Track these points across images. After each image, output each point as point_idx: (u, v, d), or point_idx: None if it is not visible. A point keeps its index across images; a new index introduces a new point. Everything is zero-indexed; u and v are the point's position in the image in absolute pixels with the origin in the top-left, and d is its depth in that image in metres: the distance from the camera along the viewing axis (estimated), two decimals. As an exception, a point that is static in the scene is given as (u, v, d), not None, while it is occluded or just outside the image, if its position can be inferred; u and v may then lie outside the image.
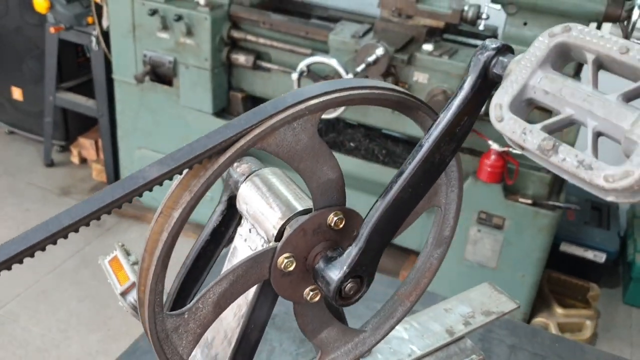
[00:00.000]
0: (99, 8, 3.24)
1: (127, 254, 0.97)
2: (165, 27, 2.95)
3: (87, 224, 0.55)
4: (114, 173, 3.85)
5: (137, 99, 3.28)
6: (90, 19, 3.31)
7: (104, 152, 3.85)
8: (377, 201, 0.62)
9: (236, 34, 2.98)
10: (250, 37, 2.97)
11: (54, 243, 0.53)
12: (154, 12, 2.94)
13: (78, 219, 0.53)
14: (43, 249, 0.53)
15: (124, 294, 0.89)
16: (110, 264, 0.94)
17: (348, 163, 2.94)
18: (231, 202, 0.79)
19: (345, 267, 0.64)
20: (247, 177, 0.74)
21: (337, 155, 0.72)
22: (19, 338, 2.80)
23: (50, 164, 4.02)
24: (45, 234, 0.52)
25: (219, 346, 0.77)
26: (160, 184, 0.55)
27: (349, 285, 0.65)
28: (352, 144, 3.23)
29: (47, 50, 3.57)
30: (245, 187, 0.73)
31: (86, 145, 3.99)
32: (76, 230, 0.55)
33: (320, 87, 0.57)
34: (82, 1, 3.27)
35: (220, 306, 0.64)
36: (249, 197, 0.73)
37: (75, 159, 4.08)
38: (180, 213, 0.55)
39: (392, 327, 0.82)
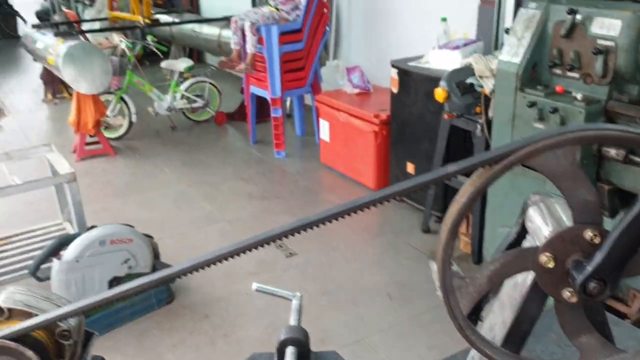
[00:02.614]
0: (487, 100, 3.74)
1: (450, 264, 1.29)
2: (541, 118, 3.23)
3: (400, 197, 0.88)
4: (478, 246, 4.21)
5: (508, 181, 3.60)
6: (478, 109, 3.84)
7: (472, 227, 4.26)
8: (622, 216, 0.79)
9: (611, 128, 3.05)
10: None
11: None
12: (532, 104, 3.26)
13: (403, 188, 0.88)
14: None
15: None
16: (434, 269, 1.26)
17: None
18: (524, 224, 1.03)
19: (589, 268, 0.82)
20: (535, 203, 0.99)
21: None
22: (374, 365, 3.34)
23: (427, 230, 4.65)
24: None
25: (497, 331, 1.01)
26: (455, 177, 0.87)
27: (592, 284, 0.82)
28: None
29: (440, 134, 4.25)
30: (532, 210, 0.98)
31: (458, 219, 4.48)
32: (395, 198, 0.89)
33: (580, 126, 0.80)
34: (473, 93, 3.82)
35: (492, 280, 0.90)
36: (533, 217, 0.97)
37: (447, 230, 4.61)
38: (465, 199, 0.85)
39: (654, 357, 0.91)
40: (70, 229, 4.26)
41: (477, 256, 4.19)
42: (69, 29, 7.85)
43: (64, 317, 0.97)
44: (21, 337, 0.97)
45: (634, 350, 0.94)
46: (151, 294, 3.79)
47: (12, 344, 0.96)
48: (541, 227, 0.92)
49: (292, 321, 1.39)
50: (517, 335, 0.97)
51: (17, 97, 8.67)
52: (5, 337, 0.96)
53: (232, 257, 0.93)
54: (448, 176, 0.88)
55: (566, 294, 0.88)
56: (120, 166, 6.21)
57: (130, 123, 6.76)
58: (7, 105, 8.29)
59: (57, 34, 6.38)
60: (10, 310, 1.01)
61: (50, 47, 6.15)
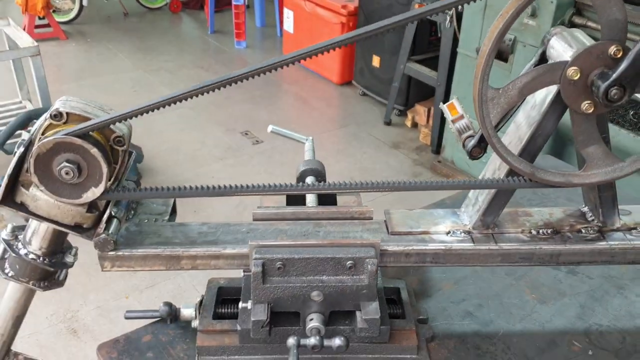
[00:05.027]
0: (458, -9, 3.79)
1: (460, 104, 1.40)
2: (512, 8, 3.33)
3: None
4: (438, 139, 4.41)
5: (473, 70, 3.73)
6: None
7: (434, 119, 4.44)
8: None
9: (578, 20, 3.19)
10: (591, 24, 3.15)
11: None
12: (505, -6, 3.35)
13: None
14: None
15: (453, 121, 1.32)
16: (447, 106, 1.38)
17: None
18: (542, 57, 1.15)
19: (613, 75, 0.95)
20: (558, 33, 1.10)
21: None
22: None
23: (389, 123, 4.80)
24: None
25: (512, 147, 1.14)
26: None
27: (614, 91, 0.95)
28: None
29: (407, 26, 4.30)
30: (555, 39, 1.09)
31: (420, 112, 4.65)
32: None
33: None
34: (446, -16, 3.86)
35: (522, 93, 1.02)
36: (556, 45, 1.08)
37: (408, 123, 4.78)
38: (511, 13, 0.94)
39: (648, 164, 1.07)
40: (31, 108, 4.15)
41: (436, 147, 4.40)
42: None
43: (124, 118, 1.03)
44: (85, 136, 1.02)
45: (631, 159, 1.09)
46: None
47: (79, 141, 1.01)
48: (566, 50, 1.04)
49: (308, 157, 1.49)
50: (532, 149, 1.11)
51: (-52, -27, 7.99)
52: (72, 134, 1.01)
53: (174, 103, 1.01)
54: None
55: (585, 105, 1.01)
56: (73, 50, 5.97)
57: (81, 7, 6.43)
58: (-61, -19, 7.66)
59: None
60: (68, 114, 1.06)
61: None
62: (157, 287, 3.09)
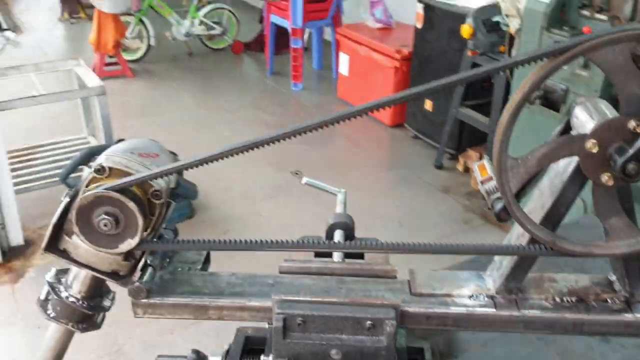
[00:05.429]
0: (511, 39, 3.80)
1: (490, 165, 1.41)
2: (565, 58, 3.31)
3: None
4: (488, 184, 4.35)
5: (525, 120, 3.70)
6: (502, 48, 3.90)
7: (485, 164, 4.40)
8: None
9: (634, 71, 3.13)
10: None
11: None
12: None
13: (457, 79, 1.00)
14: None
15: (482, 182, 1.34)
16: (478, 166, 1.39)
17: None
18: (567, 125, 1.16)
19: (630, 151, 0.95)
20: (582, 103, 1.11)
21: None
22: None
23: (440, 166, 4.79)
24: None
25: (535, 215, 1.15)
26: (523, 65, 0.98)
27: (631, 165, 0.95)
28: None
29: (462, 71, 4.31)
30: (579, 108, 1.10)
31: (472, 157, 4.62)
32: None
33: (637, 25, 0.91)
34: (499, 32, 3.88)
35: (541, 163, 1.03)
36: (579, 114, 1.09)
37: (460, 167, 4.75)
38: (529, 86, 0.97)
39: (675, 237, 1.05)
40: (95, 143, 4.39)
41: (487, 193, 4.34)
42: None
43: (163, 174, 1.11)
44: (124, 190, 1.11)
45: (657, 232, 1.08)
46: (174, 208, 3.96)
47: (117, 195, 1.09)
48: (587, 121, 1.05)
49: (339, 210, 1.53)
50: (554, 217, 1.11)
51: (32, 15, 8.62)
52: (111, 189, 1.09)
53: (242, 152, 1.06)
54: (516, 64, 0.99)
55: (604, 177, 1.01)
56: (139, 88, 6.29)
57: (149, 46, 6.78)
58: (23, 22, 8.27)
59: (79, -50, 6.32)
60: (110, 169, 1.14)
61: (72, -37, 6.11)
62: (202, 324, 3.16)
